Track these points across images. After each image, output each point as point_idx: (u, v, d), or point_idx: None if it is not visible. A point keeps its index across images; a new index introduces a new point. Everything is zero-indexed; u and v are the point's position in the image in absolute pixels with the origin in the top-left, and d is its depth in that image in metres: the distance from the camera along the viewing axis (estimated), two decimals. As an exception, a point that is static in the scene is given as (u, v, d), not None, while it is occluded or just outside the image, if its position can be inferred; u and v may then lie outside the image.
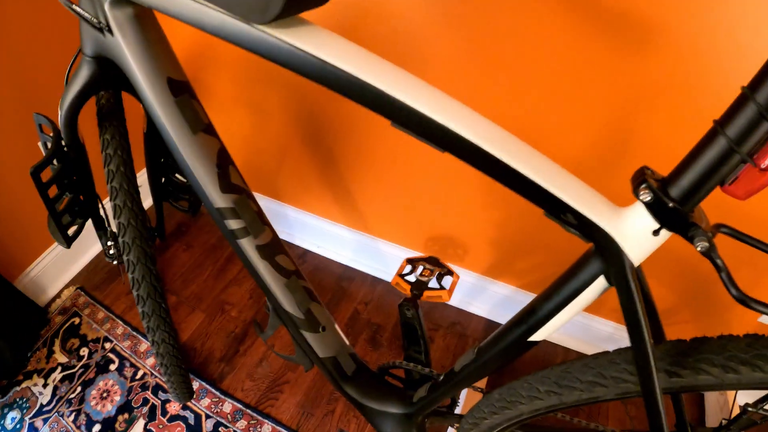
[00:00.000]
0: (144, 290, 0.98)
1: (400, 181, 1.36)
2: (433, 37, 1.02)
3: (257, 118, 1.50)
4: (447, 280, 1.21)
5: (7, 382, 1.47)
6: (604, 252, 0.50)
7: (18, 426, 1.38)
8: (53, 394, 1.43)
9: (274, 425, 1.31)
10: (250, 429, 1.30)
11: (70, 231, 0.96)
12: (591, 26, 0.87)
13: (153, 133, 0.97)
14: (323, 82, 0.53)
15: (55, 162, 0.86)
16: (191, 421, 1.33)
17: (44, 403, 1.42)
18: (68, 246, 0.96)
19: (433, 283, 1.19)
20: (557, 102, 0.99)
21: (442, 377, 0.87)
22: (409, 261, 1.24)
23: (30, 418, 1.39)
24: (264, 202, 1.74)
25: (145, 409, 1.37)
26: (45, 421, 1.38)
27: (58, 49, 1.45)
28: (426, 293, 1.15)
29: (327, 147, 1.42)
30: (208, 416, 1.34)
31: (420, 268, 1.22)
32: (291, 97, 1.37)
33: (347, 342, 1.00)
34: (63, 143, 0.86)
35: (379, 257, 1.60)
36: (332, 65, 0.51)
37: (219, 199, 0.77)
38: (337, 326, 0.97)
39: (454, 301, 1.55)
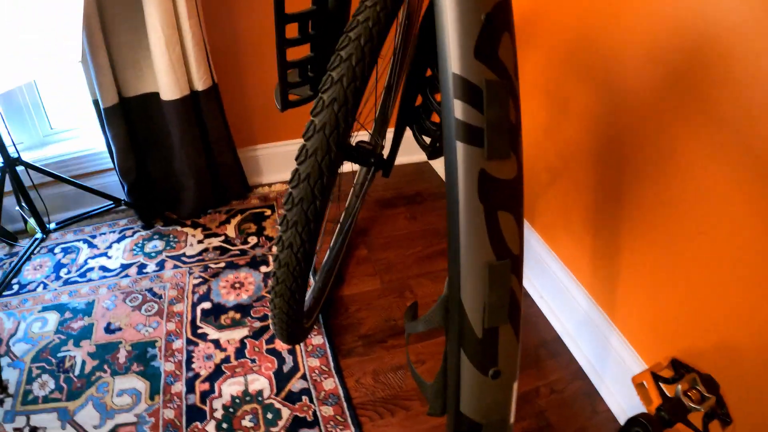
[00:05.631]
0: (307, 166, 0.67)
1: (692, 264, 0.88)
2: None
3: (553, 115, 1.19)
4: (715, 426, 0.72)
5: (176, 218, 1.46)
6: None
7: (153, 254, 1.36)
8: (199, 254, 1.36)
9: (357, 440, 0.99)
10: (330, 422, 1.00)
11: (293, 97, 0.78)
12: None
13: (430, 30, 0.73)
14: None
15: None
16: (285, 368, 1.09)
17: (187, 253, 1.36)
18: (282, 109, 0.77)
19: (695, 416, 0.70)
20: None
21: None
22: (676, 363, 0.77)
23: (167, 256, 1.35)
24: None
25: (257, 324, 1.18)
26: (175, 267, 1.32)
27: None
28: (679, 426, 0.66)
29: (615, 181, 1.03)
30: (303, 376, 1.07)
31: (688, 384, 0.73)
32: (604, 107, 1.02)
33: (512, 417, 0.58)
34: None
35: (602, 351, 1.13)
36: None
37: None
38: (515, 387, 0.57)
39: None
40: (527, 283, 1.38)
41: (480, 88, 0.48)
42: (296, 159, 0.67)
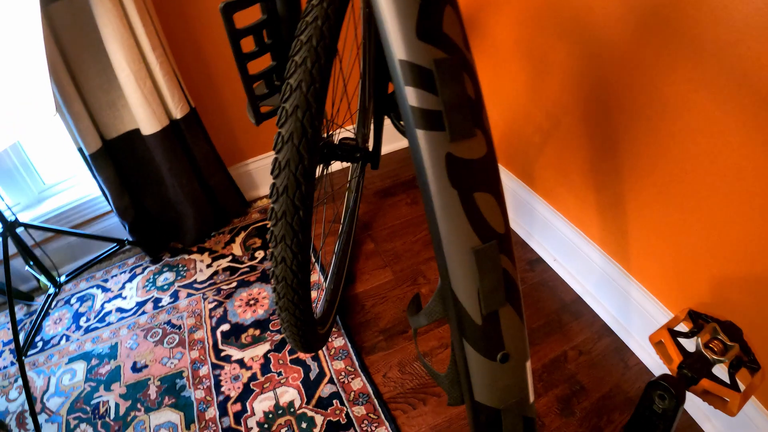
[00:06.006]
0: (283, 178, 0.65)
1: (698, 201, 0.85)
2: None
3: (535, 75, 1.16)
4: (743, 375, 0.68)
5: (181, 247, 1.47)
6: None
7: (166, 287, 1.36)
8: (210, 278, 1.37)
9: (394, 434, 0.99)
10: (365, 422, 1.00)
11: (266, 108, 0.76)
12: None
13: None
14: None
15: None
16: (311, 375, 1.09)
17: (198, 280, 1.36)
18: (257, 123, 0.76)
19: (720, 370, 0.67)
20: None
21: None
22: (693, 315, 0.75)
23: (179, 286, 1.36)
24: (511, 183, 1.41)
25: (278, 337, 1.19)
26: (189, 295, 1.33)
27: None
28: (704, 383, 0.64)
29: (607, 131, 1.00)
30: (331, 381, 1.08)
31: (708, 335, 0.70)
32: (583, 57, 0.99)
33: (531, 396, 0.56)
34: None
35: (623, 305, 1.11)
36: None
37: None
38: (528, 366, 0.55)
39: (691, 406, 0.98)
40: (539, 249, 1.37)
41: (430, 70, 0.46)
42: (271, 173, 0.66)
